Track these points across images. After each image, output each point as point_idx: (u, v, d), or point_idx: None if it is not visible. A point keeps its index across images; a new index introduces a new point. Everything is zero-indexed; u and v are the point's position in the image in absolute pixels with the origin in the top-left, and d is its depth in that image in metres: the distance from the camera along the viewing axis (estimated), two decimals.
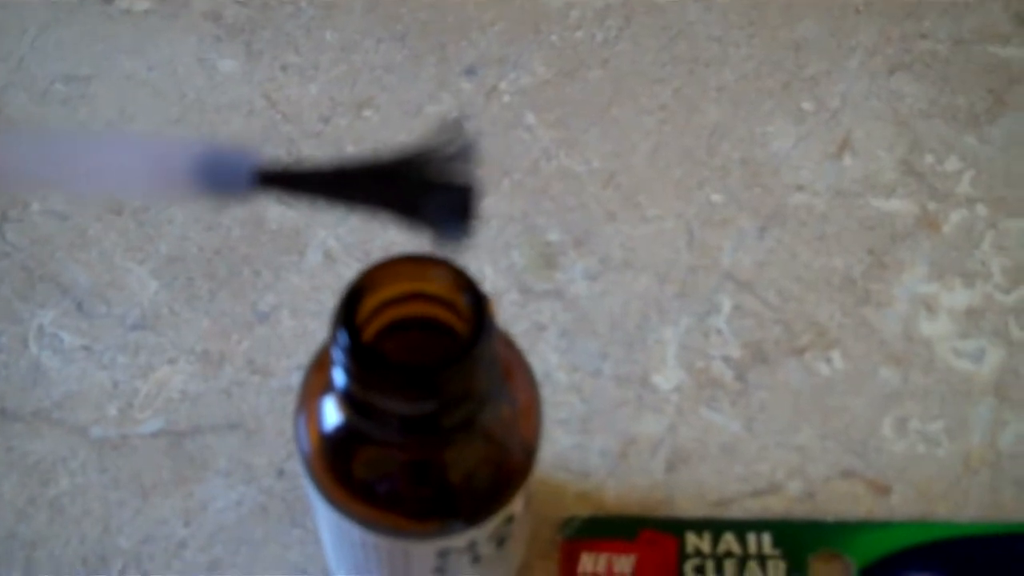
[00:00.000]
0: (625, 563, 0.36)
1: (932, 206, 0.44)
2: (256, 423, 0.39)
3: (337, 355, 0.26)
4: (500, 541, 0.31)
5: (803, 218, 0.44)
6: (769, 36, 0.48)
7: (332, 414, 0.28)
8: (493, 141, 0.45)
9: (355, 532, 0.29)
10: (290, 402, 0.39)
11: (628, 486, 0.38)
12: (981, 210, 0.44)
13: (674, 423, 0.39)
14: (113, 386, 0.40)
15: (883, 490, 0.38)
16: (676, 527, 0.37)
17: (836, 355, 0.41)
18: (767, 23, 0.49)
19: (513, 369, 0.30)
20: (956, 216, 0.44)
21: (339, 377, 0.27)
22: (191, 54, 0.48)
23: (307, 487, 0.30)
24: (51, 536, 0.37)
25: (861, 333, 0.41)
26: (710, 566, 0.36)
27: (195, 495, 0.38)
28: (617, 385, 0.40)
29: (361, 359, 0.26)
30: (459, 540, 0.29)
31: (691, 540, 0.36)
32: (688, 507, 0.38)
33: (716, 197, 0.44)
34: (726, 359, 0.40)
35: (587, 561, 0.36)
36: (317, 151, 0.45)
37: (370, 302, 0.27)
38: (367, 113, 0.46)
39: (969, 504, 0.38)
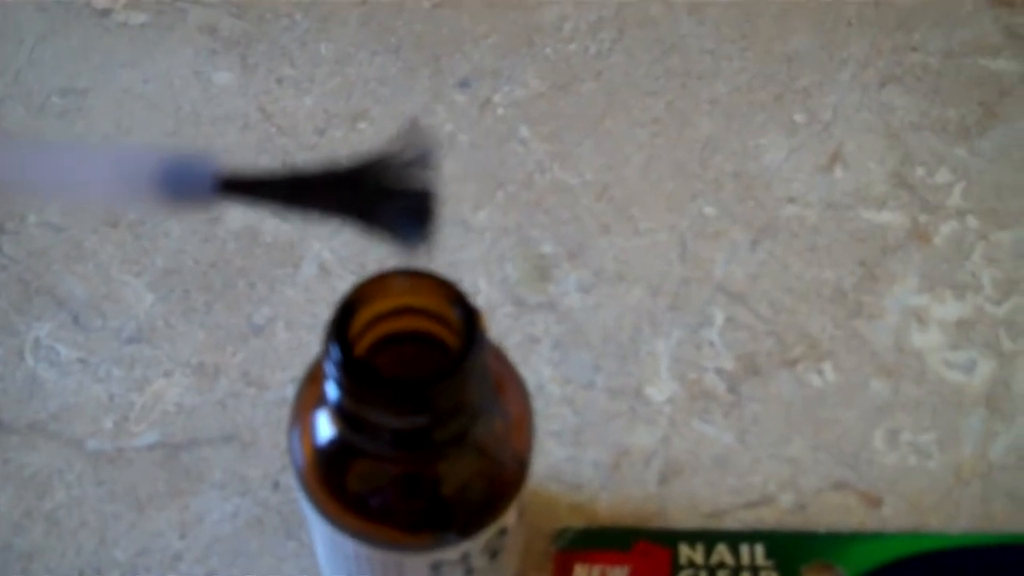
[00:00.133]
0: (619, 574, 0.36)
1: (923, 218, 0.44)
2: (251, 435, 0.39)
3: (330, 369, 0.26)
4: (493, 553, 0.31)
5: (795, 230, 0.44)
6: (761, 49, 0.49)
7: (325, 428, 0.29)
8: (487, 154, 0.46)
9: (349, 545, 0.29)
10: (285, 414, 0.39)
11: (621, 498, 0.38)
12: (972, 222, 0.44)
13: (667, 435, 0.39)
14: (109, 399, 0.40)
15: (875, 502, 0.38)
16: (669, 538, 0.37)
17: (828, 367, 0.41)
18: (759, 36, 0.49)
19: (505, 382, 0.30)
20: (947, 228, 0.44)
21: (332, 391, 0.27)
22: (187, 67, 0.48)
23: (301, 500, 0.30)
24: (47, 549, 0.37)
25: (853, 345, 0.41)
26: None
27: (191, 507, 0.38)
28: (610, 397, 0.40)
29: (353, 373, 0.26)
30: (452, 553, 0.29)
31: (684, 551, 0.37)
32: (681, 519, 0.38)
33: (709, 210, 0.44)
34: (719, 371, 0.41)
35: (581, 573, 0.36)
36: (310, 163, 0.45)
37: (363, 316, 0.27)
38: (362, 125, 0.46)
39: (960, 515, 0.38)
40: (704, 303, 0.42)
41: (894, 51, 0.49)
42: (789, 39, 0.49)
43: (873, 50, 0.49)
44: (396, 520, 0.29)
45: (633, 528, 0.37)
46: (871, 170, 0.45)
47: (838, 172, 0.45)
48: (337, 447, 0.29)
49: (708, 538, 0.37)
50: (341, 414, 0.27)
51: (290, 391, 0.40)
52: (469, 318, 0.27)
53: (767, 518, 0.38)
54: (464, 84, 0.48)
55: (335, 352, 0.26)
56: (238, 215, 0.44)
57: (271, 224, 0.44)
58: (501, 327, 0.41)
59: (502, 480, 0.29)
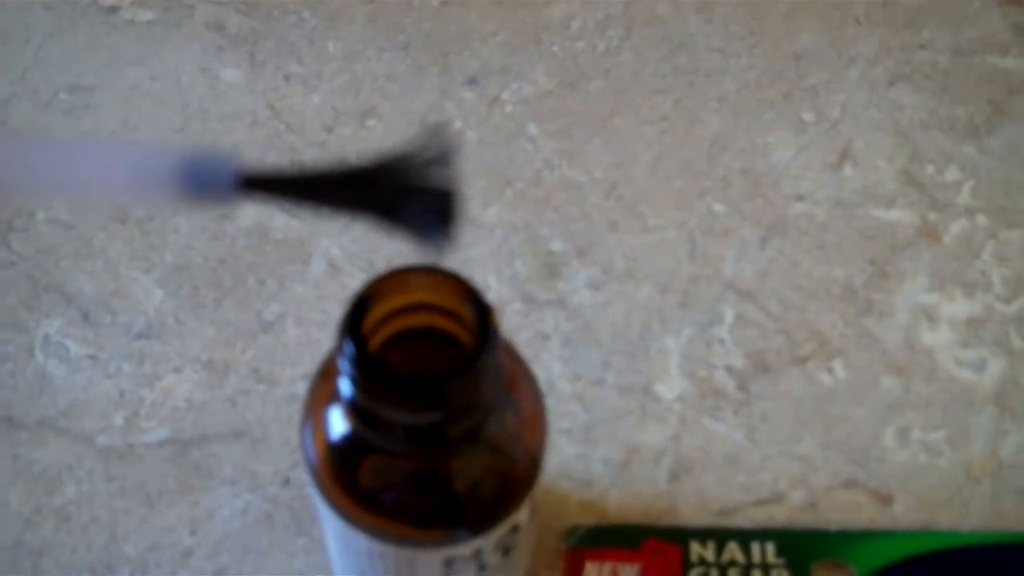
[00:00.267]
0: (629, 572, 0.36)
1: (932, 216, 0.44)
2: (261, 432, 0.39)
3: (343, 365, 0.26)
4: (505, 550, 0.31)
5: (804, 228, 0.44)
6: (770, 47, 0.49)
7: (338, 423, 0.29)
8: (495, 151, 0.46)
9: (361, 541, 0.29)
10: (295, 411, 0.39)
11: (632, 495, 0.38)
12: (981, 220, 0.44)
13: (677, 432, 0.39)
14: (119, 395, 0.40)
15: (885, 499, 0.38)
16: (680, 536, 0.37)
17: (838, 365, 0.41)
18: (768, 34, 0.49)
19: (518, 379, 0.30)
20: (956, 226, 0.44)
21: (345, 387, 0.27)
22: (194, 64, 0.48)
23: (313, 496, 0.30)
24: (58, 544, 0.37)
25: (863, 343, 0.41)
26: (714, 575, 0.36)
27: (201, 503, 0.38)
28: (620, 394, 0.40)
29: (367, 370, 0.26)
30: (465, 549, 0.29)
31: (695, 549, 0.37)
32: (692, 516, 0.38)
33: (718, 207, 0.44)
34: (728, 369, 0.41)
35: (591, 570, 0.36)
36: (320, 160, 0.45)
37: (376, 313, 0.27)
38: (370, 123, 0.46)
39: (971, 513, 0.38)
40: (713, 301, 0.42)
41: (903, 49, 0.49)
42: (797, 37, 0.49)
43: (882, 48, 0.49)
44: (409, 516, 0.29)
45: (643, 526, 0.37)
46: (880, 168, 0.45)
47: (847, 170, 0.45)
48: (350, 443, 0.29)
49: (719, 536, 0.37)
50: (354, 410, 0.27)
51: (300, 387, 0.40)
52: (483, 315, 0.26)
53: (778, 516, 0.38)
54: (472, 81, 0.48)
55: (349, 348, 0.26)
56: (248, 212, 0.44)
57: (281, 221, 0.44)
58: (511, 324, 0.41)
59: (515, 477, 0.29)
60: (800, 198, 0.45)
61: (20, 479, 0.38)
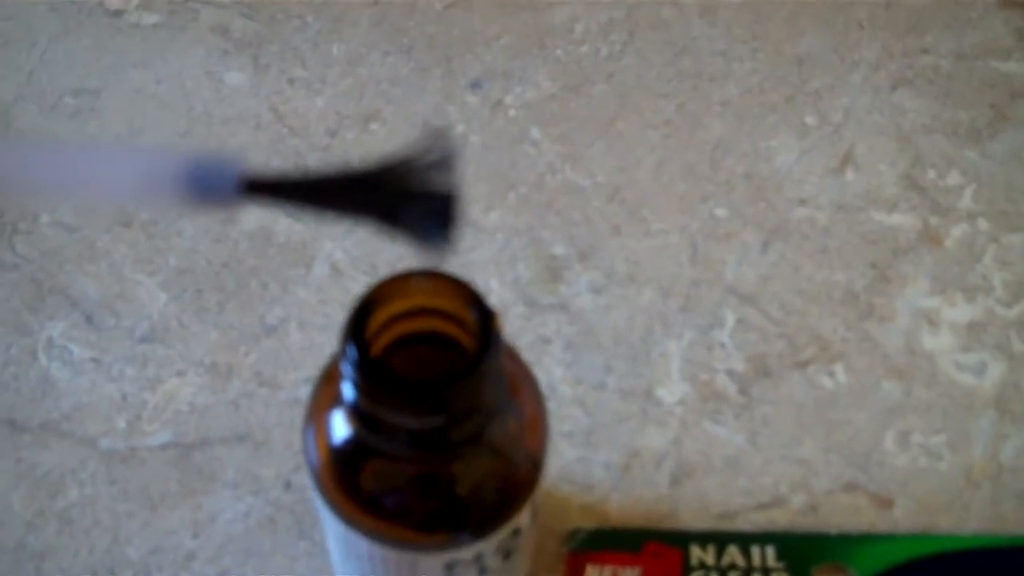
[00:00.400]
0: (630, 575, 0.36)
1: (934, 220, 0.44)
2: (264, 435, 0.39)
3: (346, 369, 0.26)
4: (507, 554, 0.31)
5: (806, 232, 0.44)
6: (773, 51, 0.49)
7: (340, 427, 0.29)
8: (498, 155, 0.46)
9: (363, 544, 0.30)
10: (297, 414, 0.39)
11: (633, 499, 0.38)
12: (983, 224, 0.44)
13: (678, 436, 0.39)
14: (122, 398, 0.40)
15: (886, 503, 0.38)
16: (681, 540, 0.37)
17: (839, 369, 0.41)
18: (771, 38, 0.49)
19: (520, 383, 0.31)
20: (958, 231, 0.44)
21: (348, 391, 0.27)
22: (199, 67, 0.48)
23: (315, 499, 0.30)
24: (60, 547, 0.37)
25: (864, 347, 0.41)
26: None
27: (203, 507, 0.38)
28: (621, 398, 0.40)
29: (370, 373, 0.26)
30: (466, 553, 0.30)
31: (696, 553, 0.37)
32: (692, 520, 0.38)
33: (720, 211, 0.44)
34: (730, 373, 0.41)
35: (592, 573, 0.36)
36: (323, 164, 0.45)
37: (379, 317, 0.27)
38: (373, 126, 0.47)
39: (971, 517, 0.38)
40: (715, 305, 0.42)
41: (905, 53, 0.49)
42: (800, 41, 0.49)
43: (884, 52, 0.49)
44: (410, 520, 0.29)
45: (644, 529, 0.37)
46: (882, 172, 0.45)
47: (849, 174, 0.45)
48: (352, 447, 0.29)
49: (719, 539, 0.37)
50: (356, 414, 0.27)
51: (302, 391, 0.40)
52: (485, 319, 0.27)
53: (778, 519, 0.38)
54: (476, 85, 0.48)
55: (352, 352, 0.26)
56: (251, 215, 0.44)
57: (284, 224, 0.44)
58: (513, 328, 0.41)
59: (516, 480, 0.30)
60: (802, 202, 0.45)
61: (23, 482, 0.39)
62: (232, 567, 0.37)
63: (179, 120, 0.47)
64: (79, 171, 0.23)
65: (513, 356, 0.31)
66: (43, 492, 0.38)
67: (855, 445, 0.39)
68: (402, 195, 0.23)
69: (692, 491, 0.38)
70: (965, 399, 0.40)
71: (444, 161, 0.23)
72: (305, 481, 0.38)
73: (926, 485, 0.39)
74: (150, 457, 0.39)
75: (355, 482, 0.29)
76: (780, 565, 0.36)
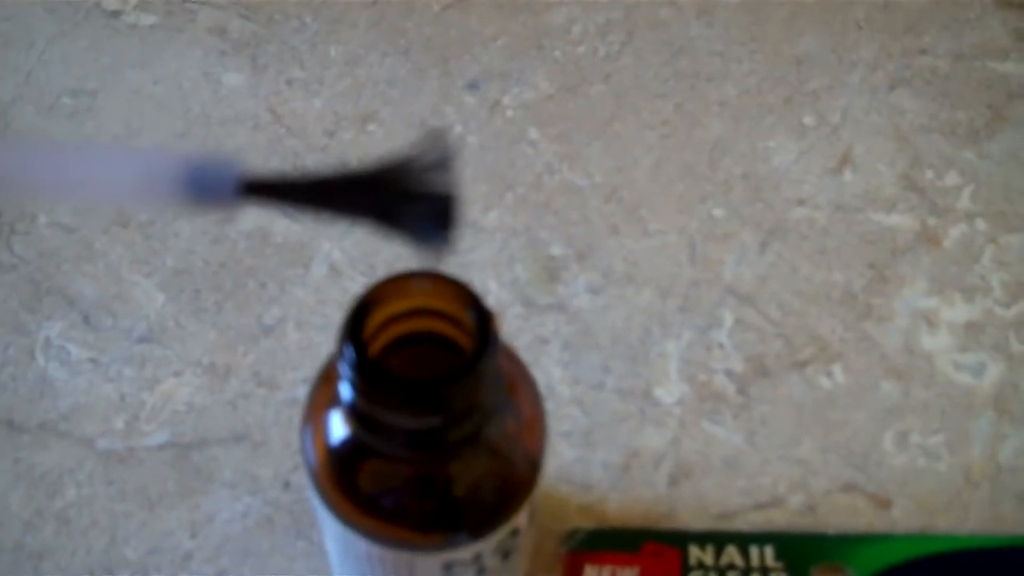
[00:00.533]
0: (628, 575, 0.36)
1: (932, 221, 0.44)
2: (262, 435, 0.39)
3: (343, 369, 0.26)
4: (505, 554, 0.31)
5: (804, 232, 0.44)
6: (771, 51, 0.49)
7: (338, 428, 0.29)
8: (496, 155, 0.46)
9: (361, 545, 0.30)
10: (295, 414, 0.39)
11: (631, 499, 0.38)
12: (981, 225, 0.44)
13: (676, 436, 0.39)
14: (120, 398, 0.40)
15: (884, 503, 0.38)
16: (679, 540, 0.37)
17: (837, 369, 0.41)
18: (769, 38, 0.49)
19: (518, 383, 0.31)
20: (956, 231, 0.44)
21: (345, 391, 0.27)
22: (197, 68, 0.48)
23: (313, 500, 0.30)
24: (58, 547, 0.37)
25: (862, 347, 0.41)
26: None
27: (201, 507, 0.38)
28: (620, 398, 0.40)
29: (367, 374, 0.26)
30: (464, 553, 0.29)
31: (694, 553, 0.37)
32: (691, 520, 0.38)
33: (718, 211, 0.44)
34: (728, 373, 0.41)
35: (591, 573, 0.36)
36: (321, 165, 0.45)
37: (376, 317, 0.27)
38: (371, 127, 0.47)
39: (969, 517, 0.38)
40: (713, 305, 0.42)
41: (903, 54, 0.49)
42: (798, 41, 0.49)
43: (882, 53, 0.49)
44: (408, 520, 0.29)
45: (643, 529, 0.37)
46: (880, 173, 0.45)
47: (847, 175, 0.45)
48: (350, 447, 0.29)
49: (718, 539, 0.37)
50: (354, 414, 0.27)
51: (300, 391, 0.40)
52: (483, 320, 0.27)
53: (777, 519, 0.38)
54: (473, 86, 0.48)
55: (349, 353, 0.26)
56: (249, 215, 0.44)
57: (281, 224, 0.44)
58: (511, 328, 0.41)
59: (514, 481, 0.30)
60: (800, 202, 0.45)
61: (21, 482, 0.39)
62: (230, 567, 0.37)
63: (177, 121, 0.47)
64: (77, 172, 0.23)
65: (511, 356, 0.31)
66: (41, 492, 0.38)
67: (853, 445, 0.39)
68: (400, 196, 0.23)
69: (690, 491, 0.38)
70: (963, 399, 0.40)
71: (442, 162, 0.23)
72: (303, 481, 0.38)
73: (924, 485, 0.39)
74: (148, 457, 0.39)
75: (353, 482, 0.29)
76: (778, 565, 0.36)
